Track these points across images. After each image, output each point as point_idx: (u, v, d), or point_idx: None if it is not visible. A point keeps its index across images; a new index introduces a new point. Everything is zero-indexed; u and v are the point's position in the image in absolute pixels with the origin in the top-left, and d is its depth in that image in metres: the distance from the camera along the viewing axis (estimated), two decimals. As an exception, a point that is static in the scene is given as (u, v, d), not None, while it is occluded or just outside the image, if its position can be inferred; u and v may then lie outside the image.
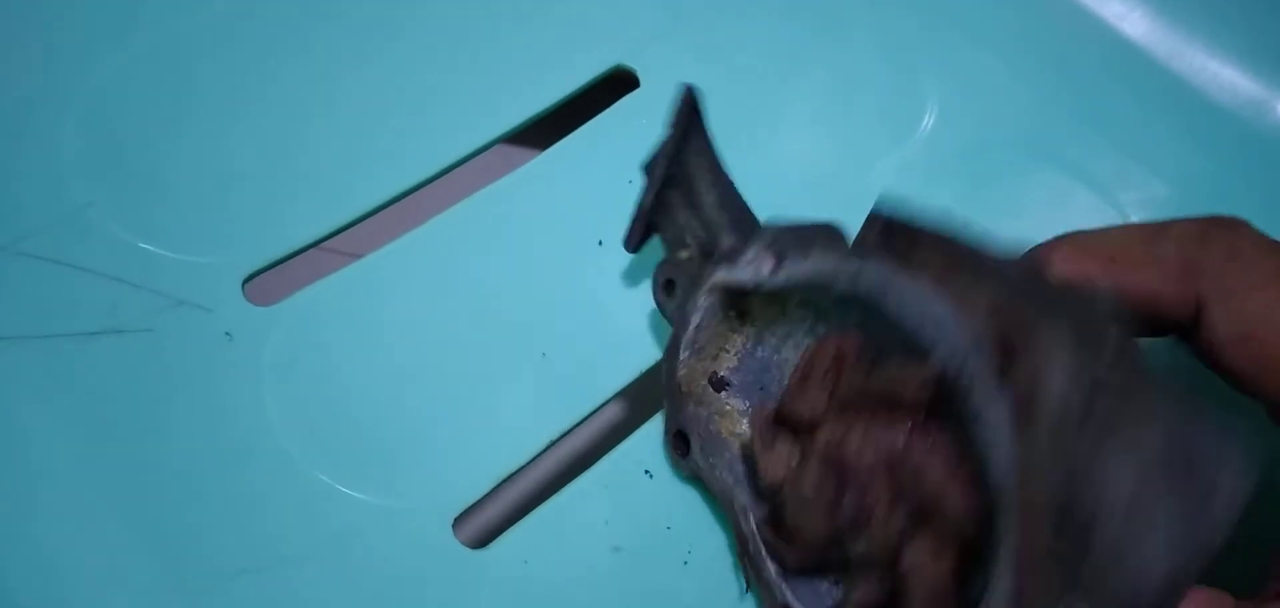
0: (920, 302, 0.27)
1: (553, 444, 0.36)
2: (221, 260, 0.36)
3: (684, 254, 0.34)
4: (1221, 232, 0.28)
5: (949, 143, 0.42)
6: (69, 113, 0.38)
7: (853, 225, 0.42)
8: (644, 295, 0.36)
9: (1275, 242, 0.27)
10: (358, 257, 0.38)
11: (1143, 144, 0.42)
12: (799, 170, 0.43)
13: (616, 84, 0.43)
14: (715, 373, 0.34)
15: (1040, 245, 0.29)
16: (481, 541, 0.34)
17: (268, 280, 0.37)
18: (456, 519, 0.34)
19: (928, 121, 0.43)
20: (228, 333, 0.35)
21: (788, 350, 0.34)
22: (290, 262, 0.38)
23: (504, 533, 0.34)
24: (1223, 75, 0.44)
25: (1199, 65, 0.44)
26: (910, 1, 0.45)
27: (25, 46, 0.39)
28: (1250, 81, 0.43)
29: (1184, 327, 0.28)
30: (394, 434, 0.35)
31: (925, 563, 0.26)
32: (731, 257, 0.33)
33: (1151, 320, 0.28)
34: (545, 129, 0.42)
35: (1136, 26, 0.45)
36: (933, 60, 0.44)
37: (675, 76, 0.43)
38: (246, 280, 0.36)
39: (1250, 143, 0.42)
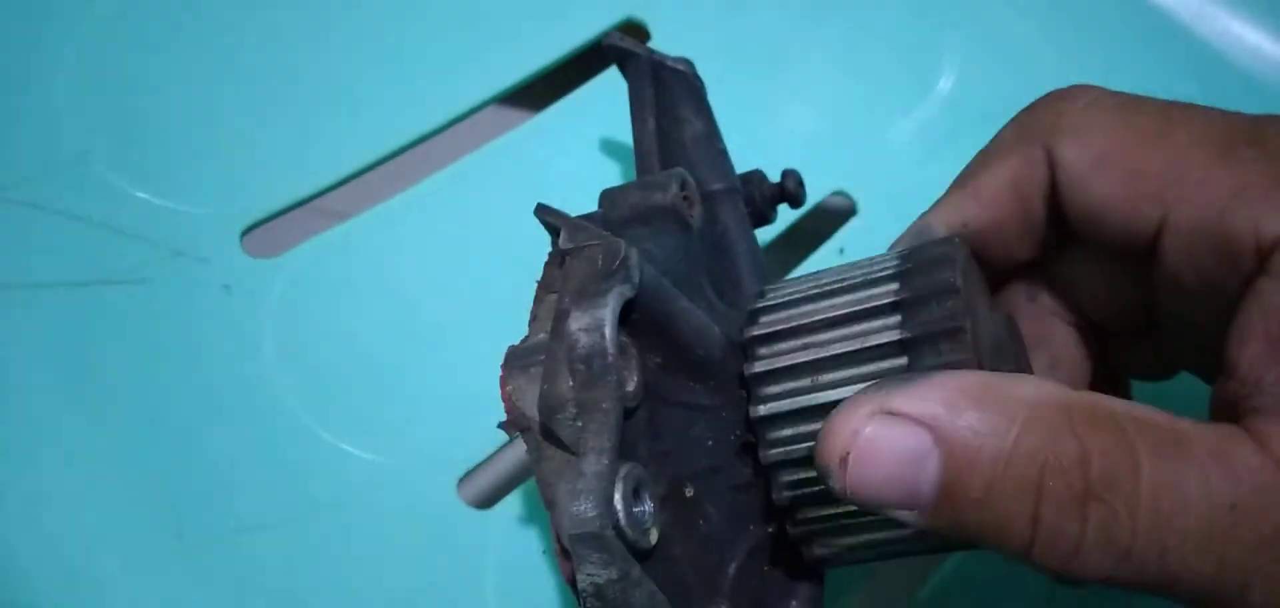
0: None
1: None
2: (219, 211, 0.36)
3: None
4: (1051, 96, 0.27)
5: (969, 104, 0.42)
6: (63, 58, 0.37)
7: (863, 188, 0.41)
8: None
9: (1105, 91, 0.27)
10: (360, 211, 0.38)
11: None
12: (812, 129, 0.43)
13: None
14: None
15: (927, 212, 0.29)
16: (485, 501, 0.34)
17: (267, 233, 0.36)
18: (460, 480, 0.34)
19: (947, 81, 0.43)
20: (226, 286, 0.35)
21: None
22: (290, 215, 0.37)
23: (508, 495, 0.34)
24: (1247, 38, 0.43)
25: (1222, 27, 0.43)
26: (928, -42, 0.44)
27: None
28: (1275, 44, 0.43)
29: (1044, 195, 0.26)
30: (397, 393, 0.35)
31: None
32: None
33: (1016, 206, 0.27)
34: (556, 84, 0.42)
35: (1160, -13, 0.44)
36: (954, 18, 0.43)
37: (688, 30, 0.43)
38: (245, 232, 0.36)
39: (1274, 105, 0.41)
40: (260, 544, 0.31)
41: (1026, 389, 0.21)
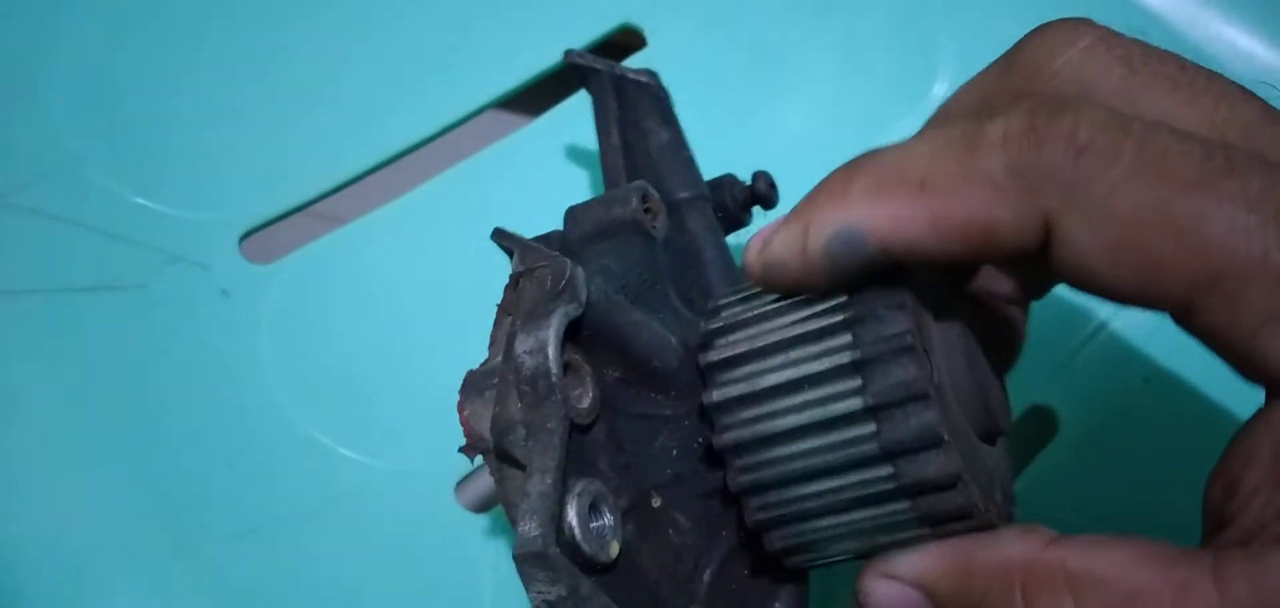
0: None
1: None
2: (218, 217, 0.36)
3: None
4: (1053, 114, 0.21)
5: (962, 108, 0.42)
6: (61, 65, 0.37)
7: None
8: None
9: (1123, 116, 0.21)
10: (358, 217, 0.38)
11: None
12: (808, 135, 0.43)
13: (620, 49, 0.42)
14: None
15: (834, 173, 0.23)
16: (482, 506, 0.34)
17: (265, 238, 0.36)
18: (458, 484, 0.34)
19: (942, 85, 0.43)
20: (224, 291, 0.35)
21: None
22: (289, 220, 0.37)
23: (505, 498, 0.34)
24: (1240, 43, 0.43)
25: (1215, 33, 0.43)
26: (923, -37, 0.45)
27: (18, -5, 0.38)
28: (1268, 50, 0.43)
29: (1029, 252, 0.21)
30: (395, 397, 0.35)
31: None
32: None
33: (983, 251, 0.22)
34: (553, 89, 0.42)
35: (1153, -8, 0.44)
36: (949, 22, 0.44)
37: (684, 34, 0.43)
38: (243, 237, 0.36)
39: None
40: (258, 548, 0.31)
41: (995, 554, 0.23)
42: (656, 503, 0.26)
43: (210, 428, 0.33)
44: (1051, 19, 0.46)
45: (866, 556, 0.26)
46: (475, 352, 0.35)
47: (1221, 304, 0.20)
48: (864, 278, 0.23)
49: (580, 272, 0.24)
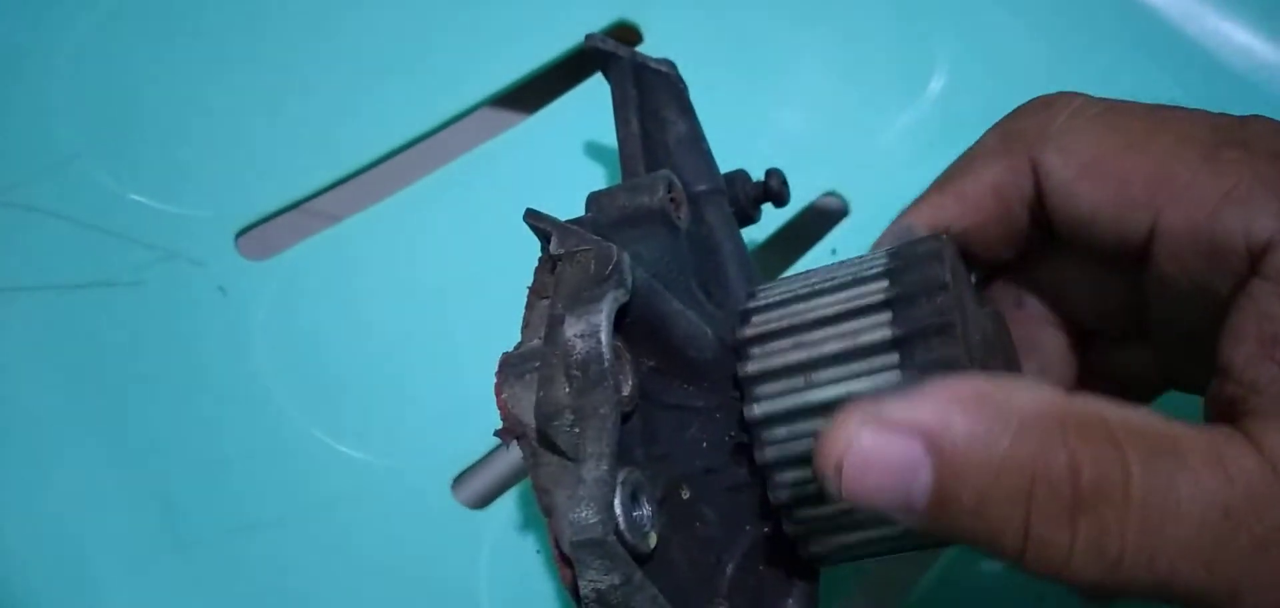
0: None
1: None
2: (214, 213, 0.36)
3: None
4: (1036, 103, 0.27)
5: (961, 104, 0.42)
6: (58, 61, 0.37)
7: (855, 188, 0.41)
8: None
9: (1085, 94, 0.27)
10: (354, 213, 0.38)
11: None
12: (804, 130, 0.43)
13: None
14: None
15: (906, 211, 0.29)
16: (480, 501, 0.34)
17: (262, 235, 0.36)
18: (455, 480, 0.34)
19: (939, 82, 0.43)
20: (221, 287, 0.35)
21: None
22: (285, 217, 0.37)
23: (503, 494, 0.34)
24: (1237, 38, 0.43)
25: (1212, 27, 0.43)
26: (920, -41, 0.45)
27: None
28: (1265, 44, 0.43)
29: (1032, 206, 0.27)
30: (392, 394, 0.35)
31: None
32: None
33: (996, 212, 0.27)
34: (549, 86, 0.42)
35: (1150, -13, 0.44)
36: (945, 19, 0.44)
37: (680, 32, 0.43)
38: (239, 234, 0.36)
39: (1264, 106, 0.42)
40: (255, 544, 0.31)
41: (1020, 397, 0.21)
42: (686, 495, 0.25)
43: (206, 424, 0.32)
44: (1047, 16, 0.47)
45: (885, 553, 0.26)
46: (472, 347, 0.35)
47: (1180, 199, 0.24)
48: None
49: (626, 257, 0.24)
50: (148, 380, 0.33)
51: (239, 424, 0.33)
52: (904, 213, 0.28)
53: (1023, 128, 0.27)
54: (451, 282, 0.37)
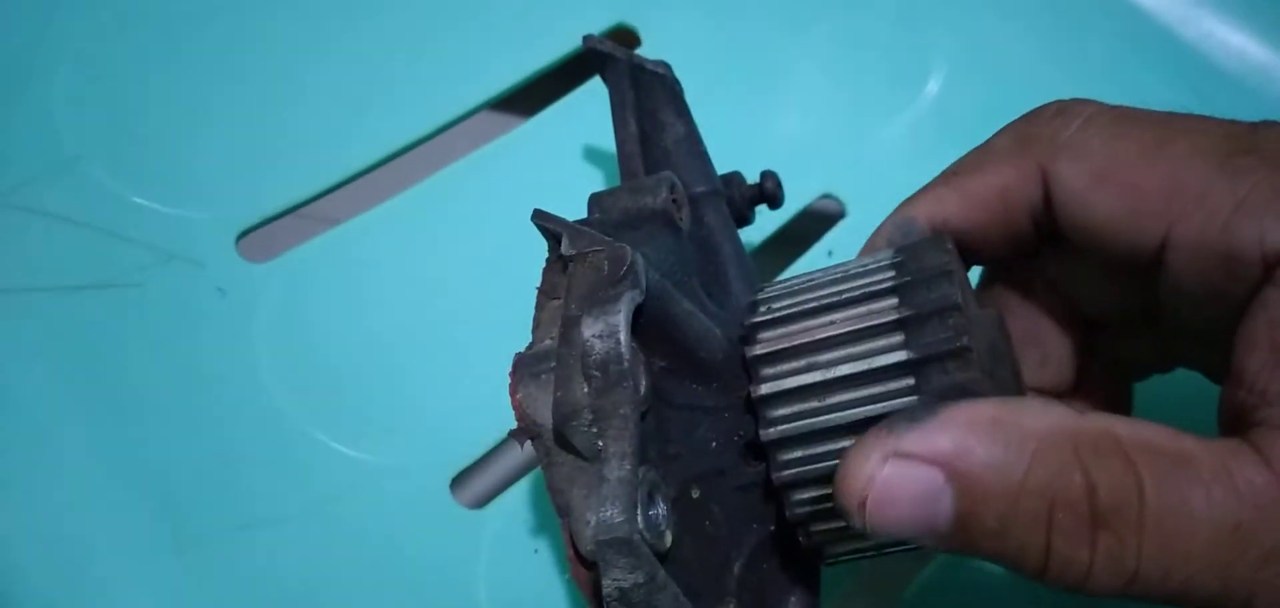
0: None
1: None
2: (215, 215, 0.36)
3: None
4: (1049, 109, 0.27)
5: (957, 106, 0.42)
6: (60, 64, 0.37)
7: (852, 191, 0.42)
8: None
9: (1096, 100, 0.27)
10: (354, 216, 0.38)
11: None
12: (801, 132, 0.43)
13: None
14: None
15: (904, 204, 0.29)
16: (479, 501, 0.34)
17: (262, 237, 0.37)
18: (454, 479, 0.34)
19: (935, 84, 0.43)
20: (221, 289, 0.35)
21: None
22: (285, 219, 0.37)
23: (502, 494, 0.34)
24: (1232, 41, 0.43)
25: (1207, 31, 0.44)
26: (916, -37, 0.45)
27: (16, -3, 0.38)
28: (1259, 48, 0.43)
29: (1038, 211, 0.27)
30: (391, 395, 0.35)
31: None
32: None
33: (1003, 215, 0.27)
34: (547, 89, 0.42)
35: (1145, -9, 0.44)
36: (942, 22, 0.44)
37: (678, 35, 0.43)
38: (240, 236, 0.36)
39: (1259, 109, 0.42)
40: (255, 544, 0.31)
41: (1033, 419, 0.21)
42: (696, 494, 0.25)
43: (206, 425, 0.33)
44: (1043, 19, 0.47)
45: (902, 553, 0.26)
46: (472, 348, 0.36)
47: (1194, 209, 0.23)
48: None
49: (640, 258, 0.24)
50: (149, 381, 0.33)
51: (239, 425, 0.33)
52: (905, 204, 0.28)
53: (1037, 133, 0.27)
54: (451, 283, 0.37)
